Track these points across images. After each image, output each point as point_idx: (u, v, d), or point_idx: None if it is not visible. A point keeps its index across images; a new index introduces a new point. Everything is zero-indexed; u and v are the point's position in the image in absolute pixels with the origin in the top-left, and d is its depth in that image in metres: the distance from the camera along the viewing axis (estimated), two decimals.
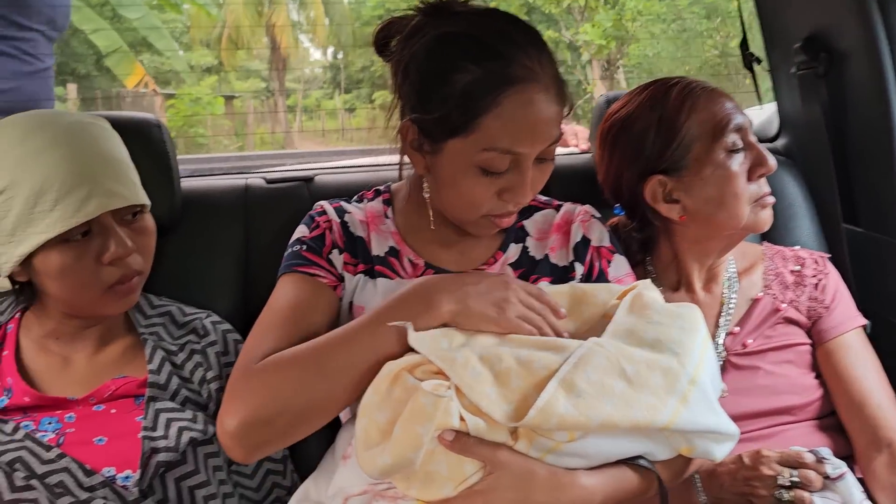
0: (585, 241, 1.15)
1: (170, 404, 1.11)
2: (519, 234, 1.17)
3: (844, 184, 1.51)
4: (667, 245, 1.30)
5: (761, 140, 1.54)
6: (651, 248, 1.33)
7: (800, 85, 1.54)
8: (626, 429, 0.87)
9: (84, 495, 1.00)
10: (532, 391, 0.87)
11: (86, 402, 1.10)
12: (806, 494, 1.07)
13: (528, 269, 1.14)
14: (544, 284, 1.11)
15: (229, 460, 1.14)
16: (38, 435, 1.05)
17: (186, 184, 1.39)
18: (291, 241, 1.13)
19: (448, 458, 0.87)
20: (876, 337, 1.32)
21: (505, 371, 0.88)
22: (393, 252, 1.13)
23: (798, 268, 1.31)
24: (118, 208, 1.07)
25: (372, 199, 1.19)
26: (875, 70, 1.38)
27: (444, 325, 0.95)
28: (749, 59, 1.67)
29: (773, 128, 1.72)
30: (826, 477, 1.09)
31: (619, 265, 1.17)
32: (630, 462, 0.92)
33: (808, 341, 1.27)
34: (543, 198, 1.22)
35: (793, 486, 1.08)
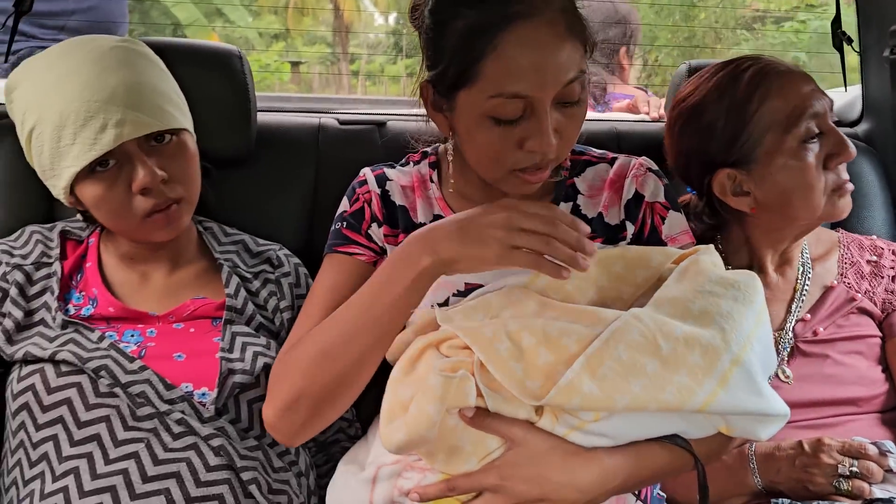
0: (638, 196, 1.08)
1: (245, 328, 1.13)
2: (569, 193, 1.10)
3: None
4: (738, 231, 1.27)
5: (840, 124, 1.50)
6: (722, 231, 1.29)
7: (891, 69, 1.48)
8: (654, 410, 0.83)
9: (164, 407, 1.02)
10: (560, 368, 0.83)
11: (165, 320, 1.12)
12: (865, 485, 1.07)
13: None
14: (597, 245, 1.04)
15: None
16: (122, 345, 1.08)
17: (262, 118, 1.38)
18: (336, 215, 1.12)
19: (470, 434, 0.87)
20: None
21: (533, 347, 0.85)
22: (437, 220, 1.08)
23: (875, 258, 1.28)
24: (142, 135, 1.05)
25: (418, 163, 1.16)
26: None
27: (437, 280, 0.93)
28: (840, 39, 1.61)
29: (855, 111, 1.67)
30: (888, 470, 1.08)
31: (675, 222, 1.08)
32: (663, 440, 0.89)
33: (879, 334, 1.25)
34: (598, 151, 1.15)
35: (852, 476, 1.08)
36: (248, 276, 1.20)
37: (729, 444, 0.99)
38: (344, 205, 1.13)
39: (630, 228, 1.08)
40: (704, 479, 0.90)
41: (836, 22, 1.62)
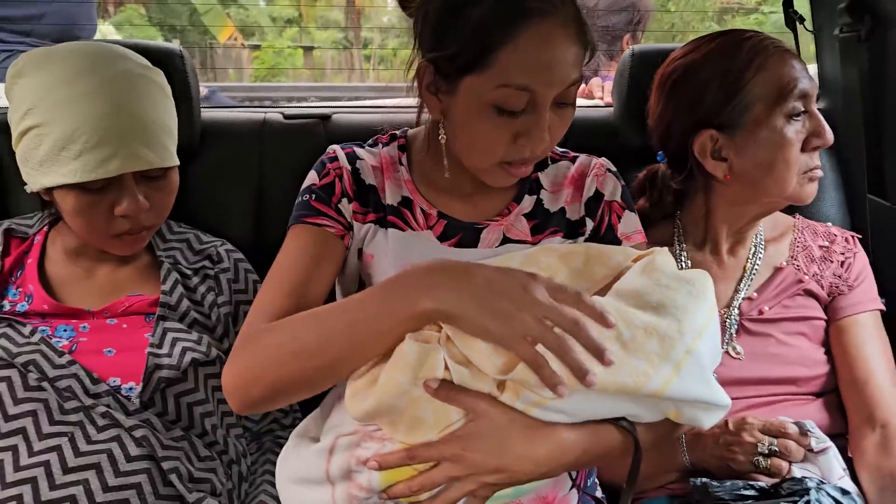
0: (598, 195, 1.12)
1: (177, 325, 1.16)
2: (534, 186, 1.14)
3: (876, 155, 1.46)
4: (702, 201, 1.28)
5: None
6: (684, 203, 1.31)
7: (840, 48, 1.48)
8: (613, 392, 0.86)
9: (89, 401, 1.05)
10: None
11: (100, 315, 1.16)
12: (784, 464, 1.08)
13: (543, 220, 1.13)
14: (557, 240, 1.11)
15: None
16: (53, 340, 1.11)
17: (206, 114, 1.41)
18: (302, 188, 1.10)
19: (433, 405, 0.88)
20: (892, 314, 1.30)
21: None
22: (406, 202, 1.12)
23: (827, 244, 1.29)
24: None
25: (387, 144, 1.17)
26: None
27: (429, 328, 0.90)
28: (792, 18, 1.60)
29: None
30: (809, 450, 1.09)
31: (629, 221, 1.13)
32: (613, 422, 0.92)
33: (824, 317, 1.26)
34: (560, 149, 1.19)
35: (771, 454, 1.09)
36: (189, 272, 1.23)
37: (675, 431, 1.00)
38: (311, 178, 1.11)
39: (589, 224, 1.11)
40: (639, 461, 0.92)
41: (788, 1, 1.61)
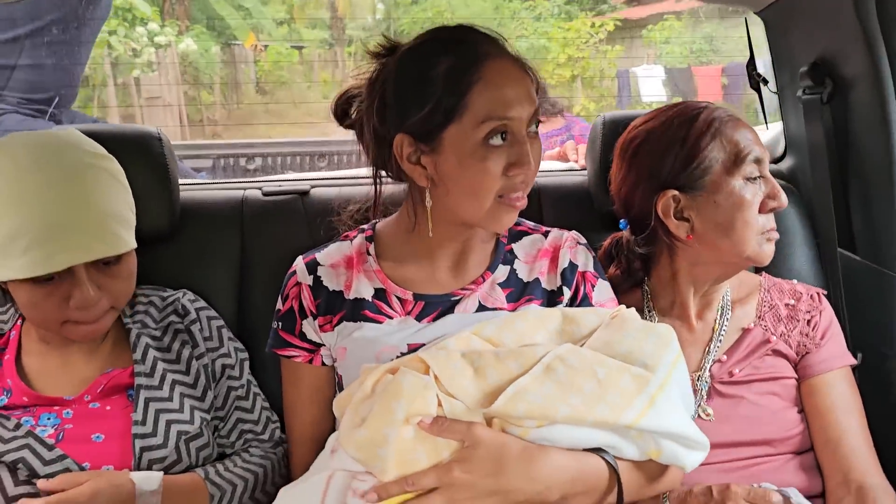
0: (573, 266, 1.19)
1: (159, 393, 1.16)
2: (507, 257, 1.19)
3: (844, 211, 1.50)
4: (667, 264, 1.30)
5: None
6: (650, 268, 1.34)
7: (804, 109, 1.52)
8: (591, 423, 0.94)
9: None
10: (507, 384, 0.96)
11: (81, 401, 1.15)
12: None
13: (518, 289, 1.17)
14: (535, 307, 1.15)
15: (221, 452, 1.23)
16: (38, 430, 1.10)
17: (185, 194, 1.43)
18: (276, 310, 1.21)
19: (426, 446, 0.93)
20: (866, 367, 1.32)
21: (483, 365, 0.98)
22: (379, 294, 1.15)
23: (793, 302, 1.31)
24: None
25: (354, 238, 1.22)
26: (878, 99, 1.37)
27: None
28: (756, 80, 1.65)
29: (779, 149, 1.71)
30: None
31: (602, 290, 1.21)
32: (597, 452, 0.97)
33: (795, 375, 1.27)
34: (531, 224, 1.25)
35: None
36: (158, 333, 1.23)
37: (663, 475, 1.05)
38: (279, 303, 1.20)
39: (567, 293, 1.17)
40: (621, 490, 0.97)
41: (751, 63, 1.66)
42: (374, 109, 1.10)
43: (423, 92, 1.05)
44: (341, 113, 1.17)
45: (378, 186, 1.18)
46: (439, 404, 0.93)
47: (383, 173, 1.16)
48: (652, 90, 8.60)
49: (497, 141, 1.04)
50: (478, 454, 0.92)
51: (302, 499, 0.97)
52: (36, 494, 1.05)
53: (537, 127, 1.10)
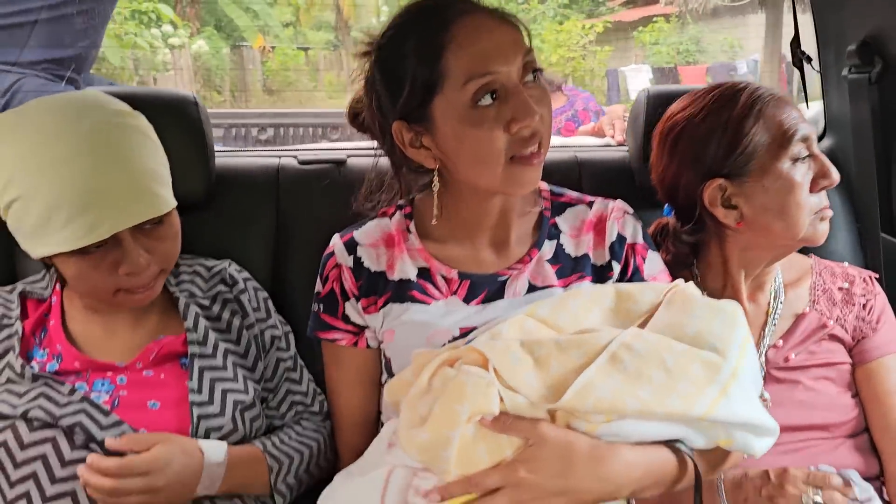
0: (621, 238, 1.14)
1: (213, 362, 1.14)
2: (552, 231, 1.15)
3: (886, 193, 1.47)
4: (717, 250, 1.27)
5: None
6: (699, 253, 1.30)
7: (850, 88, 1.49)
8: (661, 416, 0.89)
9: None
10: (571, 375, 0.89)
11: (133, 368, 1.12)
12: None
13: (567, 265, 1.13)
14: (587, 283, 1.11)
15: (269, 424, 1.20)
16: (94, 396, 1.07)
17: (221, 161, 1.39)
18: (315, 293, 1.18)
19: (488, 444, 0.89)
20: None
21: (545, 356, 0.91)
22: (423, 273, 1.12)
23: (847, 285, 1.29)
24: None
25: (393, 215, 1.17)
26: None
27: None
28: (800, 57, 1.62)
29: (819, 129, 1.68)
30: (854, 500, 1.08)
31: (654, 262, 1.17)
32: (669, 444, 0.94)
33: (850, 360, 1.26)
34: (575, 194, 1.20)
35: None
36: (206, 302, 1.20)
37: (726, 460, 1.02)
38: (318, 284, 1.16)
39: (616, 267, 1.13)
40: (700, 484, 0.94)
41: (796, 40, 1.63)
42: (373, 106, 1.07)
43: (401, 72, 1.01)
44: (353, 117, 1.15)
45: (401, 183, 1.16)
46: (500, 399, 0.89)
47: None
48: (640, 88, 9.08)
49: (487, 101, 0.98)
50: (544, 453, 0.89)
51: (361, 493, 0.94)
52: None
53: (537, 74, 1.03)
